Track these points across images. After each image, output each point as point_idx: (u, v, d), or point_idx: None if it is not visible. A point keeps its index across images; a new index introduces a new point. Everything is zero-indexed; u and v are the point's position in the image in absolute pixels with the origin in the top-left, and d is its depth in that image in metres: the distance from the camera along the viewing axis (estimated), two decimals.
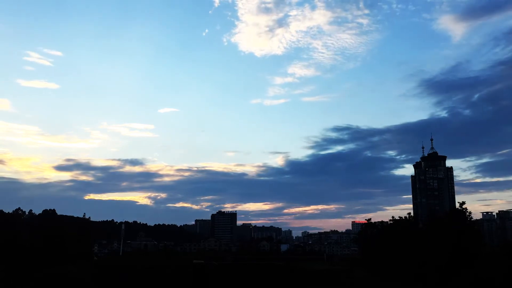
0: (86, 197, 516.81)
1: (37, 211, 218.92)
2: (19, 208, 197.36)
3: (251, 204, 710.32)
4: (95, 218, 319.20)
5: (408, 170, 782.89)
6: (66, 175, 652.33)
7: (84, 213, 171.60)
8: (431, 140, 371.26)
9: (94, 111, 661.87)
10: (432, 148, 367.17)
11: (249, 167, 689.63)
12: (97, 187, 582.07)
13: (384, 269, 60.55)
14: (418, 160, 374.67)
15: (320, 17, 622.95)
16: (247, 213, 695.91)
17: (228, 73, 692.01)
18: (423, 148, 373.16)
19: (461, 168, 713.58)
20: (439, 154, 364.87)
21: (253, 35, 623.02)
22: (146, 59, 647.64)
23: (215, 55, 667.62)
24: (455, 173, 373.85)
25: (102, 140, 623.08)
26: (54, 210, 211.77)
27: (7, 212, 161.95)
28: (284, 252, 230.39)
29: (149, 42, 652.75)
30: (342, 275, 61.62)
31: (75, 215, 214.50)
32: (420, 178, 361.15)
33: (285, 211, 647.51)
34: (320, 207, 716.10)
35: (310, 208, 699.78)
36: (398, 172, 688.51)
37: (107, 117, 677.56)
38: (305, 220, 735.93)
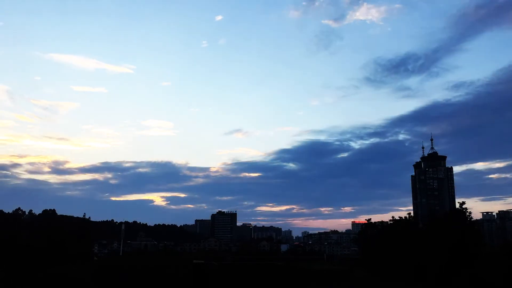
0: (108, 199, 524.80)
1: (39, 211, 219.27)
2: (19, 208, 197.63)
3: (270, 205, 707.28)
4: (97, 218, 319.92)
5: None
6: (93, 177, 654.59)
7: (84, 213, 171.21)
8: (431, 140, 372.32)
9: (120, 112, 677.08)
10: (432, 148, 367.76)
11: (272, 169, 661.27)
12: (119, 189, 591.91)
13: (384, 269, 60.52)
14: (421, 160, 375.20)
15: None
16: (261, 214, 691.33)
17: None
18: (423, 148, 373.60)
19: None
20: (442, 154, 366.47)
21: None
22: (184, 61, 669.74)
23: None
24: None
25: (126, 141, 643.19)
26: (54, 210, 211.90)
27: (6, 212, 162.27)
28: (284, 252, 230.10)
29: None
30: (342, 275, 61.56)
31: (75, 215, 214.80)
32: (420, 178, 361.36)
33: (299, 211, 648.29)
34: (336, 208, 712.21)
35: (325, 209, 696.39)
36: None
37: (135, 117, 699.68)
38: (316, 220, 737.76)
